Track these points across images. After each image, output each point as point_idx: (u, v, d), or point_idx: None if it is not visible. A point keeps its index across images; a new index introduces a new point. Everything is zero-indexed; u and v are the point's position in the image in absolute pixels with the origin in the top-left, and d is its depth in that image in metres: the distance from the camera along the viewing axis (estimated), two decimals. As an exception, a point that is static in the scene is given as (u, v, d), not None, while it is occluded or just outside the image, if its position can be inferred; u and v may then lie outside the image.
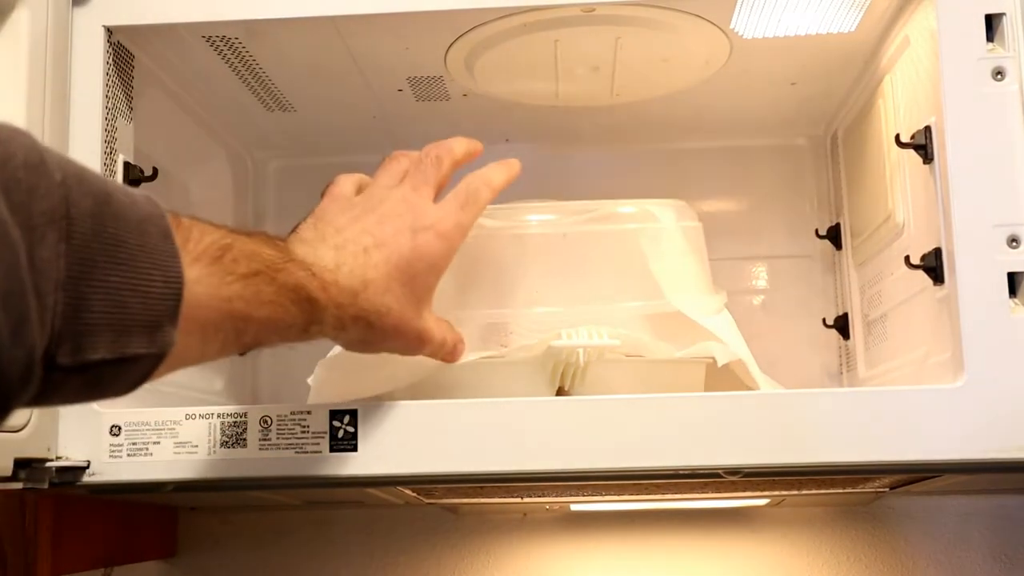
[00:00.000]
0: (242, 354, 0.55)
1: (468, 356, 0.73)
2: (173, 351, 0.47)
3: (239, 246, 0.52)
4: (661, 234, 0.78)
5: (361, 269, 0.61)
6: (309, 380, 0.76)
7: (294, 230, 0.63)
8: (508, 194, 0.76)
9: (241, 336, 0.52)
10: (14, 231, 0.38)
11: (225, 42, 0.81)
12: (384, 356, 0.73)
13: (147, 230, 0.45)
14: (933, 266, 0.70)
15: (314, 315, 0.57)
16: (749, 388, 0.75)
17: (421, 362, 0.71)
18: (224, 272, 0.50)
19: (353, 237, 0.62)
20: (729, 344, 0.74)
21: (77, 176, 0.42)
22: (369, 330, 0.62)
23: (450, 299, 0.73)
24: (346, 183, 0.68)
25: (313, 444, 0.67)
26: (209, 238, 0.50)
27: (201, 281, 0.48)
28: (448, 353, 0.69)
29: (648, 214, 0.78)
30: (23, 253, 0.39)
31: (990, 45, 0.68)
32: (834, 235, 1.03)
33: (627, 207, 0.79)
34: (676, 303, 0.75)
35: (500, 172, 0.71)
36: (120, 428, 0.69)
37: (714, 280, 0.83)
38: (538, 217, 0.79)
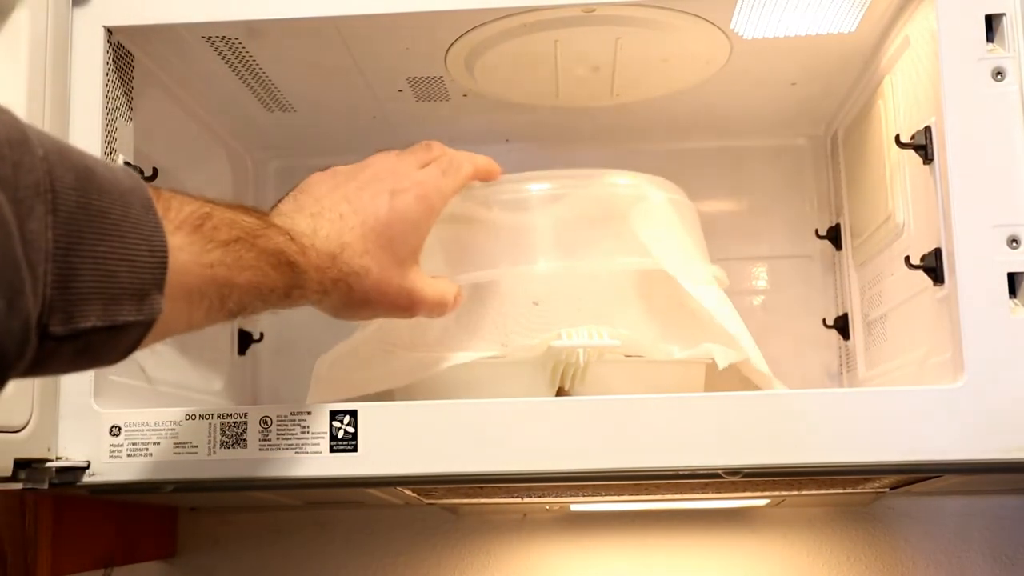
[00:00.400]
0: (230, 320, 0.56)
1: (468, 356, 0.73)
2: (163, 319, 0.48)
3: (218, 215, 0.53)
4: (650, 206, 0.78)
5: (337, 233, 0.62)
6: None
7: (276, 204, 0.64)
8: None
9: (225, 301, 0.53)
10: (5, 206, 0.39)
11: (225, 42, 0.81)
12: (383, 355, 0.73)
13: (130, 201, 0.46)
14: (933, 266, 0.70)
15: (295, 279, 0.58)
16: (749, 383, 0.75)
17: (421, 361, 0.71)
18: (205, 239, 0.51)
19: (331, 205, 0.63)
20: (720, 317, 0.74)
21: (58, 151, 0.43)
22: (350, 293, 0.62)
23: (441, 262, 0.74)
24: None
25: (313, 444, 0.67)
26: (189, 208, 0.51)
27: (184, 249, 0.50)
28: (451, 308, 0.69)
29: (638, 187, 0.78)
30: (15, 227, 0.40)
31: (990, 45, 0.68)
32: (834, 235, 1.03)
33: (619, 178, 0.80)
34: (664, 265, 0.75)
35: (486, 160, 0.74)
36: (120, 428, 0.69)
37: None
38: (531, 186, 0.79)
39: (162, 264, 0.47)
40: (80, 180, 0.44)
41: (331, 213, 0.63)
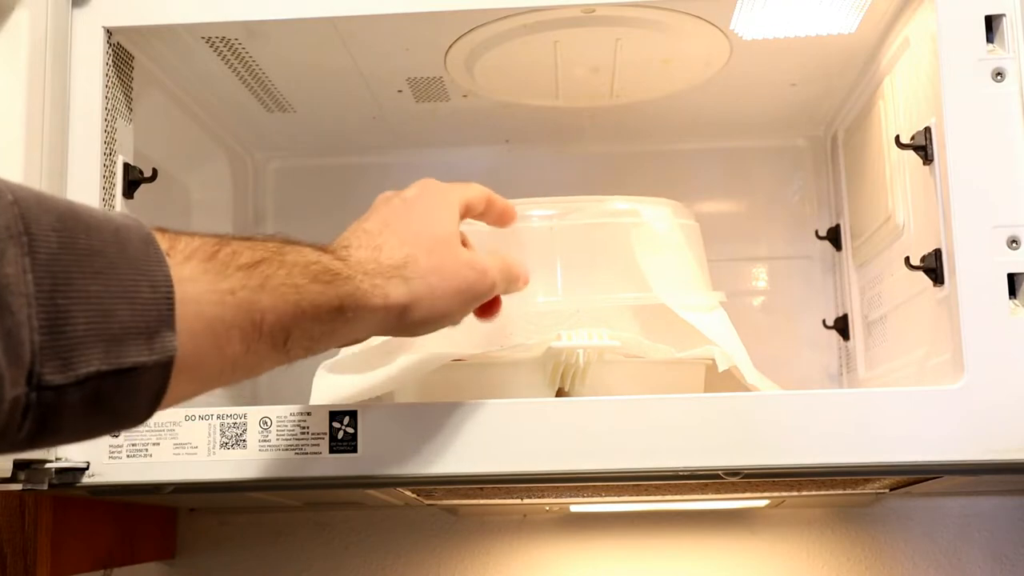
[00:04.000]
0: (288, 356, 0.52)
1: (468, 356, 0.73)
2: (190, 359, 0.45)
3: (235, 243, 0.49)
4: (650, 231, 0.78)
5: (367, 240, 0.58)
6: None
7: None
8: (507, 193, 0.76)
9: (260, 328, 0.49)
10: None
11: (225, 43, 0.81)
12: (383, 357, 0.73)
13: (126, 238, 0.43)
14: (933, 267, 0.70)
15: (340, 287, 0.53)
16: (749, 389, 0.75)
17: (421, 362, 0.71)
18: (222, 265, 0.48)
19: (352, 229, 0.60)
20: (719, 342, 0.74)
21: (33, 197, 0.41)
22: (412, 287, 0.57)
23: None
24: None
25: (313, 445, 0.67)
26: (199, 240, 0.48)
27: (196, 279, 0.46)
28: (516, 271, 0.66)
29: (638, 211, 0.78)
30: None
31: (990, 46, 0.68)
32: (834, 236, 1.03)
33: (619, 203, 0.79)
34: (663, 297, 0.75)
35: (504, 203, 0.70)
36: (120, 429, 0.69)
37: (714, 281, 0.83)
38: (533, 212, 0.79)
39: (168, 299, 0.44)
40: (62, 220, 0.41)
41: (355, 233, 0.59)
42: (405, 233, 0.59)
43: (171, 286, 0.44)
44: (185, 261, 0.46)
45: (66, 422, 0.41)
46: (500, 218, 0.70)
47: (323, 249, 0.55)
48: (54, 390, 0.40)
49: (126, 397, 0.43)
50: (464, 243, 0.63)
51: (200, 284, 0.46)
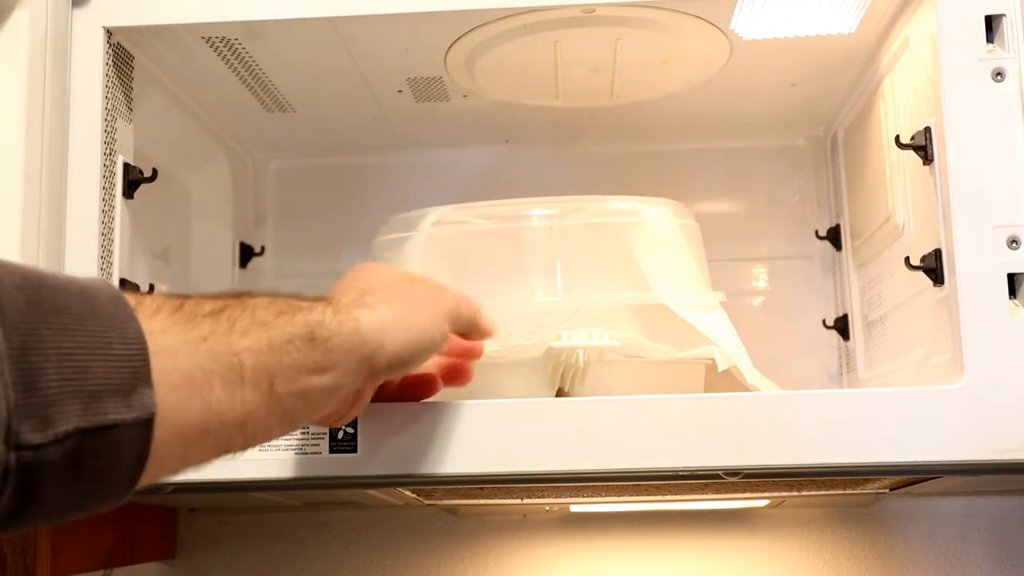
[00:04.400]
0: (283, 407, 0.50)
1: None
2: (170, 414, 0.43)
3: (198, 297, 0.49)
4: (650, 231, 0.78)
5: (354, 296, 0.57)
6: None
7: None
8: (507, 193, 0.76)
9: (240, 372, 0.47)
10: None
11: (225, 43, 0.81)
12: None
13: (93, 296, 0.42)
14: (933, 267, 0.70)
15: (309, 312, 0.52)
16: (749, 389, 0.75)
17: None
18: (189, 315, 0.47)
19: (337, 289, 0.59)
20: (719, 342, 0.74)
21: None
22: (377, 311, 0.56)
23: (444, 269, 0.74)
24: None
25: (312, 445, 0.67)
26: (163, 297, 0.47)
27: (167, 330, 0.45)
28: (491, 328, 0.66)
29: (638, 211, 0.78)
30: None
31: (990, 46, 0.68)
32: (834, 236, 1.03)
33: (619, 203, 0.79)
34: (663, 297, 0.75)
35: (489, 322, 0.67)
36: (120, 429, 0.69)
37: (714, 281, 0.83)
38: (533, 212, 0.79)
39: (142, 354, 0.43)
40: (26, 280, 0.40)
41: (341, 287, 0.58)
42: (391, 296, 0.58)
43: (143, 340, 0.43)
44: (153, 315, 0.45)
45: (48, 488, 0.40)
46: (481, 335, 0.67)
47: (279, 294, 0.54)
48: (33, 449, 0.38)
49: (108, 458, 0.42)
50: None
51: (172, 335, 0.45)
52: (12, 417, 0.37)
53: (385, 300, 0.57)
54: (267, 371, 0.49)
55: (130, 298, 0.44)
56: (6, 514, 0.39)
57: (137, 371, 0.42)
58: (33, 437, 0.38)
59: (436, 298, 0.61)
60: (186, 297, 0.48)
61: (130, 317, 0.43)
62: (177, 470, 0.46)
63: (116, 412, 0.41)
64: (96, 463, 0.41)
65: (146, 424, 0.42)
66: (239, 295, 0.51)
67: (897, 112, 0.81)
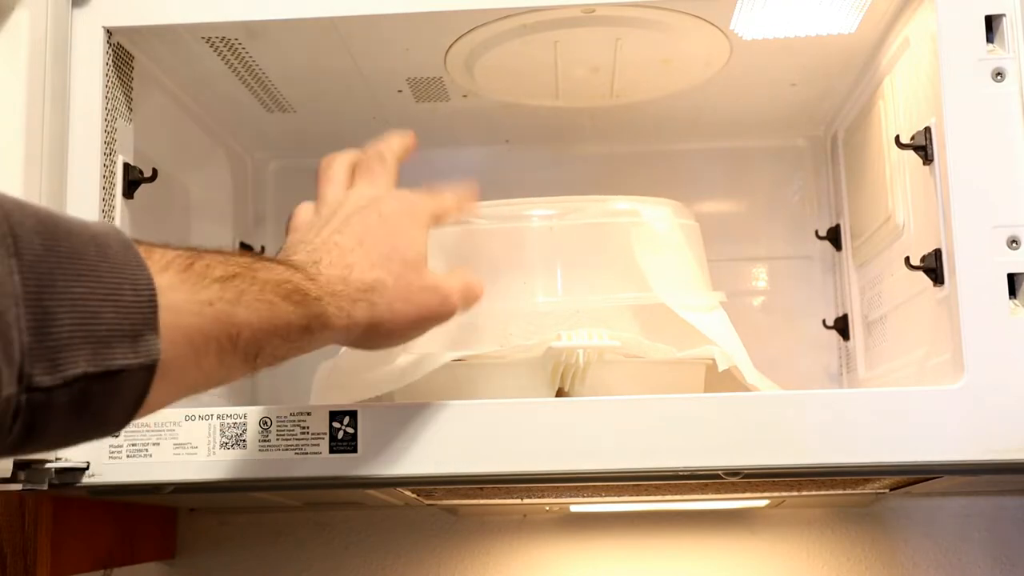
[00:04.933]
0: (252, 369, 0.53)
1: (468, 355, 0.73)
2: (169, 367, 0.45)
3: (209, 255, 0.50)
4: (651, 231, 0.78)
5: (340, 258, 0.59)
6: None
7: None
8: (507, 193, 0.76)
9: (235, 342, 0.50)
10: None
11: (225, 43, 0.81)
12: (384, 356, 0.72)
13: (106, 243, 0.44)
14: (933, 267, 0.70)
15: (310, 308, 0.55)
16: (749, 389, 0.75)
17: (420, 362, 0.71)
18: (198, 276, 0.48)
19: (323, 239, 0.60)
20: (719, 343, 0.74)
21: (15, 202, 0.41)
22: (375, 311, 0.59)
23: (442, 268, 0.74)
24: (303, 210, 0.67)
25: (313, 445, 0.67)
26: (174, 251, 0.48)
27: (175, 287, 0.46)
28: (479, 293, 0.67)
29: (638, 211, 0.78)
30: None
31: (990, 46, 0.68)
32: (834, 236, 1.03)
33: (619, 203, 0.79)
34: (663, 298, 0.75)
35: (464, 189, 0.72)
36: (120, 429, 0.69)
37: (714, 281, 0.83)
38: (531, 212, 0.79)
39: (151, 302, 0.44)
40: (43, 224, 0.41)
41: (327, 245, 0.60)
42: (376, 255, 0.60)
43: (153, 289, 0.44)
44: (162, 271, 0.46)
45: (52, 425, 0.41)
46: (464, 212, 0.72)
47: (293, 266, 0.56)
48: (43, 391, 0.40)
49: (110, 400, 0.43)
50: None
51: (179, 293, 0.46)
52: (25, 359, 0.39)
53: (389, 300, 0.60)
54: (258, 346, 0.51)
55: (141, 248, 0.46)
56: (11, 445, 0.41)
57: (146, 318, 0.44)
58: (44, 379, 0.40)
59: (437, 292, 0.63)
60: (197, 255, 0.49)
61: (141, 264, 0.45)
62: (155, 411, 0.48)
63: (123, 357, 0.43)
64: (99, 403, 0.43)
65: (150, 369, 0.44)
66: (251, 262, 0.52)
67: (897, 112, 0.81)
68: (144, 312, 0.44)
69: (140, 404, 0.45)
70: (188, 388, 0.49)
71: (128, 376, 0.43)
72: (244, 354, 0.51)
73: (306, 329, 0.55)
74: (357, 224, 0.62)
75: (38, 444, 0.42)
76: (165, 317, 0.45)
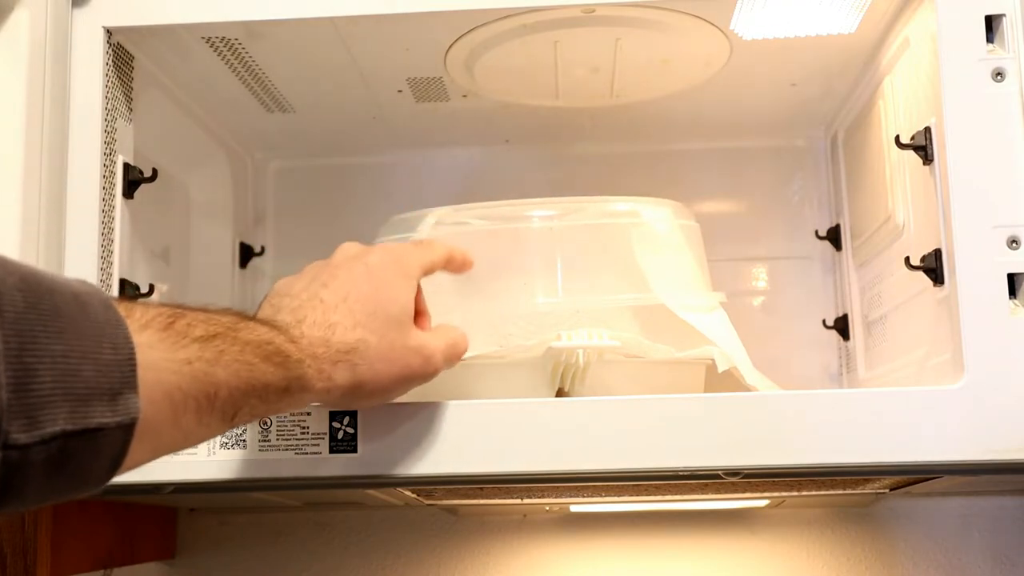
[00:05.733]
0: (230, 427, 0.53)
1: (468, 355, 0.73)
2: (147, 425, 0.45)
3: (191, 314, 0.50)
4: (651, 232, 0.78)
5: (323, 316, 0.59)
6: None
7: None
8: (506, 194, 0.76)
9: (213, 401, 0.50)
10: None
11: (224, 43, 0.81)
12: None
13: (86, 301, 0.43)
14: (933, 267, 0.70)
15: (290, 371, 0.55)
16: (749, 389, 0.75)
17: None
18: (178, 335, 0.48)
19: (309, 295, 0.60)
20: (719, 343, 0.74)
21: None
22: (356, 372, 0.59)
23: (447, 296, 0.74)
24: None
25: (313, 445, 0.67)
26: (155, 310, 0.48)
27: (154, 346, 0.46)
28: (460, 349, 0.66)
29: (638, 212, 0.78)
30: None
31: (990, 46, 0.68)
32: (834, 236, 1.03)
33: (620, 204, 0.79)
34: (663, 298, 0.75)
35: (462, 251, 0.72)
36: (120, 429, 0.69)
37: (714, 281, 0.83)
38: (531, 212, 0.79)
39: (130, 360, 0.44)
40: (25, 281, 0.41)
41: (312, 301, 0.59)
42: (360, 312, 0.60)
43: (132, 348, 0.44)
44: (142, 329, 0.46)
45: (30, 483, 0.40)
46: (459, 268, 0.72)
47: (276, 327, 0.56)
48: (19, 449, 0.39)
49: (89, 458, 0.43)
50: (419, 310, 0.65)
51: (157, 351, 0.46)
52: (3, 416, 0.38)
53: (371, 360, 0.60)
54: (235, 406, 0.52)
55: (120, 307, 0.45)
56: None
57: (125, 376, 0.44)
58: (21, 437, 0.39)
59: (420, 353, 0.62)
60: (179, 314, 0.49)
61: (120, 323, 0.44)
62: (133, 468, 0.47)
63: (101, 416, 0.42)
64: (77, 462, 0.42)
65: (128, 428, 0.44)
66: (235, 322, 0.53)
67: (897, 112, 0.81)
68: (124, 370, 0.44)
69: (119, 463, 0.45)
70: (166, 447, 0.49)
71: (107, 435, 0.43)
72: (222, 413, 0.51)
73: (285, 391, 0.55)
74: (344, 277, 0.61)
75: (15, 502, 0.41)
76: (144, 375, 0.44)
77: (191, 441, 0.51)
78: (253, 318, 0.56)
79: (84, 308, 0.43)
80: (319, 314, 0.59)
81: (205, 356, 0.49)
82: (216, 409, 0.50)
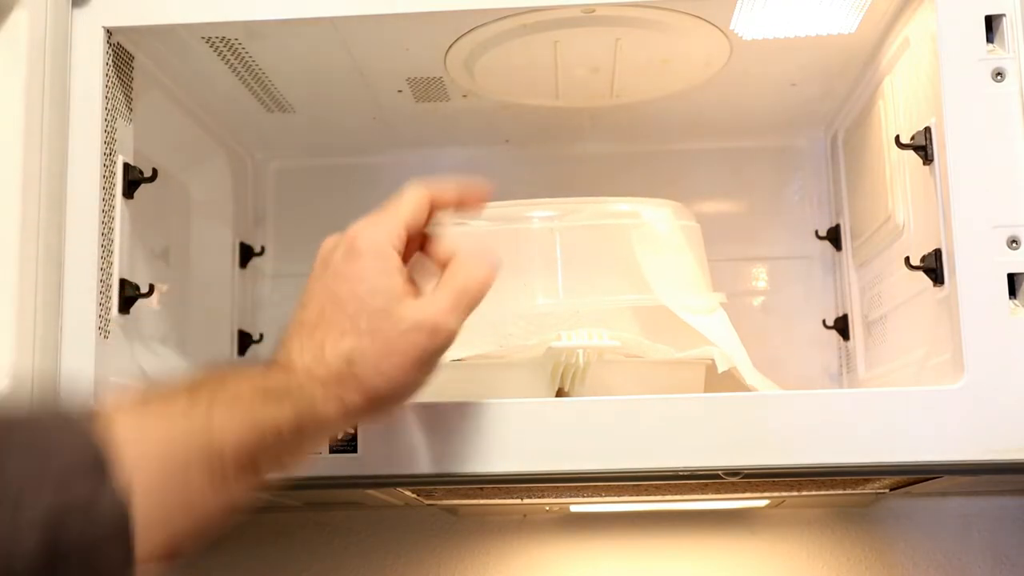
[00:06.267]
0: (264, 485, 0.51)
1: (468, 355, 0.73)
2: (152, 509, 0.45)
3: (165, 384, 0.50)
4: (651, 232, 0.78)
5: (307, 336, 0.55)
6: None
7: None
8: (507, 193, 0.76)
9: (222, 458, 0.48)
10: None
11: (224, 43, 0.81)
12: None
13: (53, 412, 0.46)
14: (933, 267, 0.70)
15: (295, 402, 0.52)
16: (749, 389, 0.75)
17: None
18: (160, 401, 0.48)
19: (291, 321, 0.57)
20: (719, 344, 0.74)
21: None
22: (363, 382, 0.54)
23: None
24: None
25: (313, 445, 0.67)
26: (129, 395, 0.49)
27: (134, 426, 0.46)
28: (473, 291, 0.58)
29: (638, 213, 0.78)
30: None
31: (990, 46, 0.68)
32: (834, 236, 1.03)
33: (620, 204, 0.79)
34: (664, 299, 0.75)
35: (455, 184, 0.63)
36: (120, 429, 0.69)
37: (714, 281, 0.83)
38: (533, 213, 0.79)
39: (102, 453, 0.44)
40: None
41: (294, 327, 0.56)
42: (342, 320, 0.55)
43: (105, 441, 0.44)
44: (116, 410, 0.46)
45: None
46: (465, 202, 0.62)
47: (267, 365, 0.54)
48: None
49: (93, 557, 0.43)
50: (410, 284, 0.58)
51: (134, 428, 0.46)
52: None
53: (374, 363, 0.55)
54: (252, 458, 0.50)
55: (93, 408, 0.47)
56: None
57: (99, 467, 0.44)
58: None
59: (422, 328, 0.56)
60: (154, 387, 0.50)
61: (90, 419, 0.46)
62: (167, 556, 0.47)
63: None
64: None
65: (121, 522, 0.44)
66: (219, 375, 0.52)
67: (897, 112, 0.81)
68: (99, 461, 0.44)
69: (130, 559, 0.44)
70: (189, 522, 0.48)
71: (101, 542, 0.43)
72: (238, 470, 0.49)
73: (298, 427, 0.52)
74: (316, 290, 0.57)
75: None
76: (127, 450, 0.44)
77: (218, 510, 0.49)
78: (237, 368, 0.55)
79: (53, 415, 0.45)
80: (304, 337, 0.55)
81: (193, 413, 0.48)
82: (229, 466, 0.48)
